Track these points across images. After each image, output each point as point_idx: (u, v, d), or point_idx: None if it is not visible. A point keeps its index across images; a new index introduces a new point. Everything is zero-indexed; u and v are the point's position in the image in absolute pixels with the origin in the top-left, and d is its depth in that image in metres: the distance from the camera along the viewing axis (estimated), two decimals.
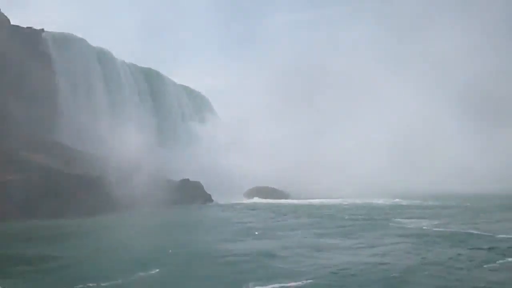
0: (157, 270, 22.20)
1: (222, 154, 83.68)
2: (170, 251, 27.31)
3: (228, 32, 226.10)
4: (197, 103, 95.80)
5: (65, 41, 72.68)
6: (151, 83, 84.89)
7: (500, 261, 22.68)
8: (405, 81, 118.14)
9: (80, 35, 75.11)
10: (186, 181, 70.11)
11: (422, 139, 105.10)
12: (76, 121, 68.51)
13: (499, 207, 52.73)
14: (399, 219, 42.19)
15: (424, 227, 35.66)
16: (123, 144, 66.54)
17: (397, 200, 66.72)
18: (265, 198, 73.10)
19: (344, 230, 34.74)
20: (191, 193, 69.24)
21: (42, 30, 72.19)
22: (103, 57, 75.94)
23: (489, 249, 25.80)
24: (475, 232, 32.53)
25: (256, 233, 34.84)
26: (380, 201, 64.50)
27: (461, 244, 27.56)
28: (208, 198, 70.24)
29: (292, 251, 26.56)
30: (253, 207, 60.48)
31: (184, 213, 55.09)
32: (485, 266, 22.14)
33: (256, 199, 73.03)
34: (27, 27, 70.52)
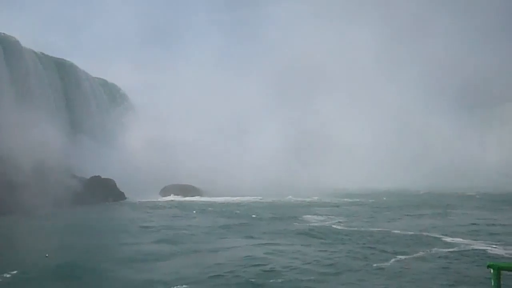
0: None
1: (140, 151, 79.74)
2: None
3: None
4: (115, 97, 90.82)
5: None
6: (64, 75, 79.14)
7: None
8: (402, 81, 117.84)
9: None
10: (96, 178, 65.92)
11: (418, 139, 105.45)
12: None
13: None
14: (308, 216, 40.92)
15: (326, 225, 34.30)
16: (26, 139, 61.38)
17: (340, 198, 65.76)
18: (182, 196, 70.33)
19: (241, 228, 32.65)
20: (102, 191, 65.08)
21: None
22: (7, 44, 69.47)
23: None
24: (376, 229, 31.48)
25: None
26: (307, 199, 63.21)
27: (356, 242, 26.20)
28: (120, 196, 66.42)
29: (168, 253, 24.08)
30: (164, 206, 57.39)
31: (86, 213, 50.76)
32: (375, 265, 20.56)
33: (172, 197, 70.11)
34: None
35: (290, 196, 66.49)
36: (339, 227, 33.01)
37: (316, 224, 35.15)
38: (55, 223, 41.89)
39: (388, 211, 45.73)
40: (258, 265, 20.42)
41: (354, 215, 41.79)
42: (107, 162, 73.00)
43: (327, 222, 36.25)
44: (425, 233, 29.20)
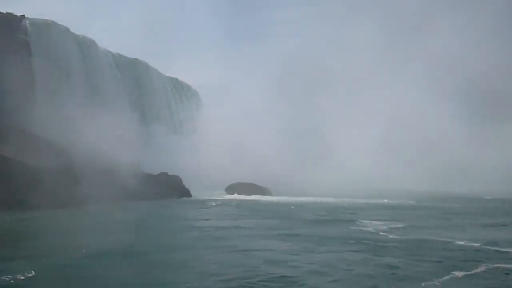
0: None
1: (209, 149, 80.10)
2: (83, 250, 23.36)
3: (229, 28, 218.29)
4: (186, 96, 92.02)
5: (46, 28, 69.36)
6: (138, 74, 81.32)
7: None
8: (403, 79, 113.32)
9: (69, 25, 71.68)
10: (163, 175, 66.83)
11: (420, 138, 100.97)
12: (52, 110, 65.28)
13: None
14: (365, 221, 37.95)
15: (381, 232, 31.30)
16: (100, 135, 63.44)
17: (386, 200, 62.51)
18: (246, 194, 69.54)
19: (292, 232, 30.51)
20: (169, 187, 65.95)
21: (23, 16, 68.98)
22: (84, 45, 72.50)
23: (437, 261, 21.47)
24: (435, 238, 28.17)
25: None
26: (362, 201, 60.22)
27: (412, 252, 23.28)
28: (186, 193, 66.76)
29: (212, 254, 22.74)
30: (228, 203, 56.55)
31: (144, 208, 51.13)
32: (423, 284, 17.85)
33: (236, 195, 69.42)
34: (7, 13, 67.32)
35: (359, 200, 63.50)
36: (395, 236, 29.87)
37: (370, 230, 32.25)
38: (107, 217, 42.45)
39: (454, 218, 41.60)
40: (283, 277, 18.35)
41: (414, 220, 38.25)
42: (176, 159, 73.93)
43: (383, 227, 33.22)
44: (493, 247, 25.48)
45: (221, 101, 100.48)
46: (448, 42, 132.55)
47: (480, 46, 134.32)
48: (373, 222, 37.13)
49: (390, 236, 29.86)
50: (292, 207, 50.92)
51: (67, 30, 71.45)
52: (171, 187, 65.38)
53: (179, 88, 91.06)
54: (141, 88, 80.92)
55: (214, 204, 56.12)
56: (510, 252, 23.88)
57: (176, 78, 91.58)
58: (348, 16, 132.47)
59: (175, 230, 32.26)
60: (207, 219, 39.74)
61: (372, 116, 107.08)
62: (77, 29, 73.97)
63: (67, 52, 70.01)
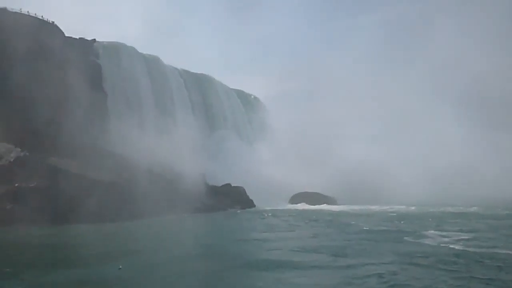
0: None
1: (272, 160, 79.18)
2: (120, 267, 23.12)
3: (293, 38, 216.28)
4: (252, 106, 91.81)
5: (115, 50, 72.50)
6: (203, 88, 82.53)
7: None
8: (407, 82, 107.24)
9: (130, 44, 74.53)
10: (227, 186, 66.76)
11: (422, 141, 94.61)
12: (123, 128, 67.72)
13: None
14: (431, 231, 34.69)
15: (450, 245, 28.08)
16: (167, 151, 64.79)
17: (449, 208, 57.81)
18: (310, 204, 67.35)
19: (346, 244, 28.38)
20: (233, 198, 65.76)
21: (94, 40, 72.55)
22: (151, 63, 74.83)
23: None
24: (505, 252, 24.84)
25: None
26: (432, 209, 55.96)
27: (486, 273, 20.37)
28: (249, 204, 66.10)
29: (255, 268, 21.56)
30: (284, 215, 54.87)
31: (205, 220, 51.02)
32: None
33: (300, 205, 67.64)
34: (80, 38, 71.08)
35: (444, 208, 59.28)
36: (459, 247, 26.74)
37: (430, 243, 29.19)
38: (172, 228, 42.73)
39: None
40: None
41: (486, 231, 34.27)
42: (241, 170, 73.81)
43: (446, 239, 30.01)
44: None
45: (288, 110, 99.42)
46: (449, 44, 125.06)
47: (482, 49, 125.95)
48: (436, 233, 33.87)
49: (456, 248, 26.89)
50: (352, 222, 47.66)
51: (134, 50, 74.10)
52: (235, 198, 65.03)
53: (244, 98, 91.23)
54: (206, 100, 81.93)
55: (270, 214, 54.92)
56: None
57: (241, 90, 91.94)
58: (349, 19, 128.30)
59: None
60: (263, 231, 38.35)
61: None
62: (143, 49, 76.98)
63: (135, 70, 72.52)
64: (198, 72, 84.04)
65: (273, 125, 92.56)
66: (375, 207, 61.03)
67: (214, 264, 23.52)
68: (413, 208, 59.36)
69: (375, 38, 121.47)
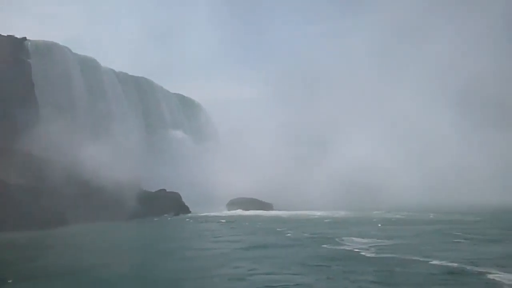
0: None
1: (210, 165, 77.48)
2: None
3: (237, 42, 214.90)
4: (192, 113, 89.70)
5: (47, 49, 68.68)
6: (142, 91, 79.85)
7: None
8: (404, 84, 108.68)
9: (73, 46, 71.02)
10: (162, 192, 64.44)
11: (420, 143, 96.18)
12: (52, 130, 64.06)
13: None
14: (351, 238, 34.01)
15: (362, 251, 27.41)
16: (100, 153, 61.74)
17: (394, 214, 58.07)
18: (247, 209, 66.38)
19: (258, 254, 27.10)
20: (168, 204, 63.53)
21: (24, 38, 68.54)
22: (86, 65, 71.48)
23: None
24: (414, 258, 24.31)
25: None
26: (374, 215, 55.97)
27: (375, 279, 19.71)
28: (184, 210, 64.14)
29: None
30: (217, 220, 53.39)
31: (141, 227, 48.57)
32: None
33: (237, 211, 66.38)
34: (8, 35, 66.89)
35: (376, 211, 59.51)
36: (370, 254, 26.11)
37: (347, 248, 28.47)
38: (94, 238, 40.06)
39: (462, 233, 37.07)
40: None
41: (406, 237, 34.00)
42: (180, 175, 71.72)
43: (362, 246, 29.37)
44: (469, 267, 21.50)
45: (228, 116, 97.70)
46: (447, 46, 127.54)
47: (479, 50, 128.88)
48: (357, 239, 33.24)
49: (367, 255, 26.20)
50: (281, 229, 46.32)
51: (68, 50, 70.65)
52: (169, 204, 62.90)
53: (185, 104, 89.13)
54: (145, 103, 79.27)
55: (202, 220, 53.20)
56: (485, 273, 19.91)
57: (181, 94, 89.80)
58: (348, 21, 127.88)
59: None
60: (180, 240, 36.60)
61: (371, 121, 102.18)
62: (83, 51, 73.52)
63: (69, 70, 69.00)
64: (137, 75, 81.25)
65: (215, 131, 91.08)
66: (316, 213, 60.41)
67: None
68: (352, 213, 59.16)
69: (371, 39, 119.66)
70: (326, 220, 51.38)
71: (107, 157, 61.18)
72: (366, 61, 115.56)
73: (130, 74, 79.96)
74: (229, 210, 67.77)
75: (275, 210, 66.71)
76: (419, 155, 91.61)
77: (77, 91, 68.94)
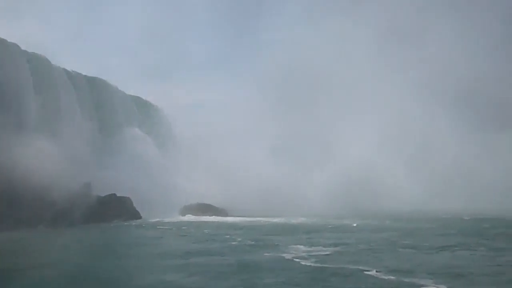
0: None
1: (167, 169, 75.21)
2: None
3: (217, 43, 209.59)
4: (148, 115, 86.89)
5: None
6: (96, 93, 76.73)
7: None
8: (403, 84, 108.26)
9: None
10: (112, 196, 61.58)
11: (418, 145, 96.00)
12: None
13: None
14: (297, 246, 32.71)
15: (303, 260, 26.07)
16: (49, 155, 58.70)
17: (362, 221, 56.81)
18: (200, 215, 64.30)
19: (190, 261, 25.48)
20: (117, 209, 60.72)
21: None
22: (36, 63, 67.97)
23: None
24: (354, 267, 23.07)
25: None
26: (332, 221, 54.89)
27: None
28: (134, 215, 61.59)
29: None
30: (172, 226, 51.39)
31: (84, 234, 45.90)
32: None
33: (189, 217, 64.28)
34: None
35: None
36: (308, 263, 24.80)
37: (286, 257, 27.09)
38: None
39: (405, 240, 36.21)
40: None
41: (353, 245, 32.90)
42: (135, 178, 69.04)
43: (304, 254, 28.07)
44: (407, 279, 20.37)
45: (191, 121, 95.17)
46: (446, 46, 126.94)
47: (479, 51, 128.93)
48: (301, 247, 31.93)
49: (304, 264, 24.87)
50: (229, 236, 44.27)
51: (17, 47, 67.05)
52: (119, 210, 60.18)
53: (141, 106, 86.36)
54: (98, 105, 76.14)
55: (149, 227, 50.98)
56: (420, 285, 18.80)
57: (138, 96, 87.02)
58: (345, 22, 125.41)
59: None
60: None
61: (369, 122, 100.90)
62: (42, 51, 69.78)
63: (15, 70, 65.40)
64: (92, 76, 78.10)
65: (173, 134, 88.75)
66: (275, 219, 58.95)
67: None
68: (314, 220, 57.92)
69: (370, 39, 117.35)
70: (282, 227, 50.13)
71: (49, 158, 58.32)
72: (365, 61, 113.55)
73: (83, 74, 76.73)
74: (183, 215, 65.53)
75: (231, 216, 64.90)
76: (418, 158, 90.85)
77: (24, 89, 65.43)
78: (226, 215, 66.01)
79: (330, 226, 50.50)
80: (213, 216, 63.72)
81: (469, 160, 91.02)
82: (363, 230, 46.20)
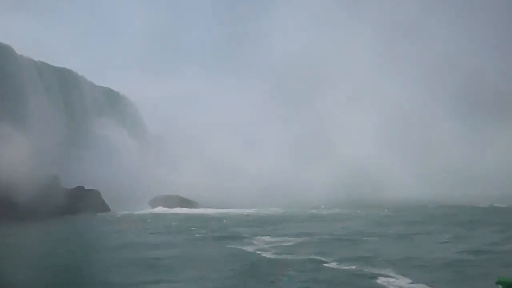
0: None
1: (138, 161, 73.73)
2: None
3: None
4: (119, 107, 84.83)
5: None
6: (64, 84, 74.42)
7: None
8: (403, 81, 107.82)
9: None
10: (80, 189, 60.14)
11: (420, 140, 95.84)
12: None
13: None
14: (262, 237, 31.93)
15: (263, 252, 25.30)
16: (14, 147, 56.68)
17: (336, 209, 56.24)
18: (169, 207, 63.16)
19: (143, 254, 24.51)
20: (86, 202, 59.22)
21: None
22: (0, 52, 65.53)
23: None
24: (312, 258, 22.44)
25: None
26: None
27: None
28: (103, 208, 60.24)
29: None
30: (139, 219, 50.29)
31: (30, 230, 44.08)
32: None
33: (158, 209, 63.09)
34: None
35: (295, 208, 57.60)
36: (269, 255, 24.06)
37: (248, 249, 26.33)
38: None
39: (368, 228, 35.83)
40: None
41: (319, 235, 32.32)
42: (104, 170, 67.41)
43: (266, 246, 27.34)
44: (366, 269, 19.78)
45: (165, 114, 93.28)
46: (445, 42, 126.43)
47: (478, 47, 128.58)
48: (266, 238, 31.19)
49: (265, 256, 24.13)
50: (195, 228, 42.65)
51: None
52: (88, 203, 58.67)
53: (112, 98, 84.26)
54: (66, 96, 73.91)
55: (122, 219, 49.73)
56: (378, 275, 18.21)
57: (109, 88, 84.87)
58: (348, 18, 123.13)
59: None
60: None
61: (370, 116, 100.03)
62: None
63: None
64: (59, 66, 75.72)
65: (145, 126, 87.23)
66: (249, 211, 58.12)
67: None
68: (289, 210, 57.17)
69: (371, 35, 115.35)
70: (253, 218, 49.44)
71: (14, 149, 56.41)
72: (367, 57, 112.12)
73: (50, 64, 74.30)
74: (153, 208, 64.26)
75: (202, 208, 63.78)
76: (420, 153, 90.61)
77: None
78: (196, 206, 64.88)
79: (300, 217, 49.96)
80: (185, 208, 62.61)
81: (471, 154, 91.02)
82: (334, 220, 45.88)
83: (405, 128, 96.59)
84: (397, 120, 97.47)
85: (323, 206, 61.20)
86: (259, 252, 25.33)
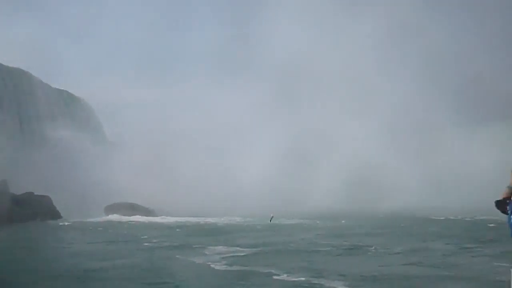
0: None
1: (95, 168, 70.84)
2: None
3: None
4: (76, 110, 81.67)
5: None
6: (17, 85, 71.08)
7: None
8: (402, 80, 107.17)
9: None
10: (29, 195, 57.25)
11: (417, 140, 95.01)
12: None
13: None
14: (216, 247, 30.59)
15: (213, 263, 23.93)
16: None
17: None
18: (125, 215, 60.75)
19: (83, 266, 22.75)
20: (35, 208, 56.38)
21: None
22: None
23: None
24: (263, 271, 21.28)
25: None
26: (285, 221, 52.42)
27: None
28: (54, 215, 57.44)
29: None
30: (88, 227, 47.94)
31: None
32: None
33: (112, 216, 60.75)
34: None
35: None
36: (218, 267, 22.81)
37: (197, 261, 24.95)
38: None
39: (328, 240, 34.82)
40: None
41: (276, 246, 31.21)
42: (55, 177, 64.60)
43: (217, 257, 26.04)
44: (316, 281, 18.83)
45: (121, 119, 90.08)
46: (450, 40, 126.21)
47: (479, 46, 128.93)
48: (221, 248, 29.88)
49: (214, 267, 22.83)
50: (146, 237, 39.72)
51: None
52: (37, 209, 55.83)
53: (68, 100, 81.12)
54: (19, 97, 70.59)
55: (71, 227, 47.25)
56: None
57: (65, 91, 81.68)
58: (347, 18, 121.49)
59: None
60: None
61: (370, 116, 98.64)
62: None
63: None
64: (13, 66, 72.26)
65: (103, 131, 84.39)
66: (209, 219, 56.08)
67: None
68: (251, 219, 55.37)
69: (371, 34, 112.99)
70: (211, 227, 47.81)
71: None
72: (367, 57, 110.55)
73: (3, 64, 70.86)
74: (107, 215, 61.75)
75: (160, 216, 61.59)
76: (421, 153, 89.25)
77: None
78: (153, 214, 62.74)
79: (259, 226, 48.61)
80: (142, 216, 60.33)
81: (473, 155, 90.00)
82: (294, 229, 44.68)
83: (405, 128, 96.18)
84: (397, 120, 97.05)
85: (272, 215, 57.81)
86: (209, 262, 24.05)
